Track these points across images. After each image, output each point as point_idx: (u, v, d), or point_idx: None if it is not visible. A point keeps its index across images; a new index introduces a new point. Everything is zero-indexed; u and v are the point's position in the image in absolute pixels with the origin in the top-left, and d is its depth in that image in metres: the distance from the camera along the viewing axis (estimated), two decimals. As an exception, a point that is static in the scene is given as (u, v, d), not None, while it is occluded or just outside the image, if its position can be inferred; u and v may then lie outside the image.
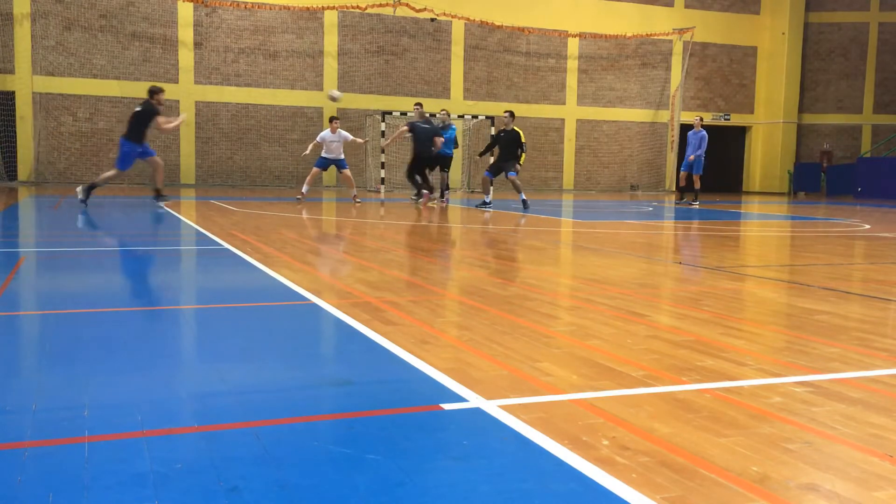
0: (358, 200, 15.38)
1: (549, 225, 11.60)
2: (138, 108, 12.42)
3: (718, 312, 4.46)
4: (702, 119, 18.41)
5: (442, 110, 16.91)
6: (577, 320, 4.25)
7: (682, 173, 18.23)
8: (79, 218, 10.55)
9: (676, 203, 17.81)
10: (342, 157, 15.17)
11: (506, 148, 14.58)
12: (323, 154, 15.19)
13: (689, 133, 17.82)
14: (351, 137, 15.39)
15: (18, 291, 4.95)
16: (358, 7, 23.95)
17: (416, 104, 16.46)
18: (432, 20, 24.87)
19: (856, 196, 24.39)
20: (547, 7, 26.19)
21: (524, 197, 14.68)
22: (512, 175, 14.48)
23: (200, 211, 12.41)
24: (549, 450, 2.21)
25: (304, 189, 15.27)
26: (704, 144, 17.47)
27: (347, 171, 15.25)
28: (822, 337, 3.83)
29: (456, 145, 16.71)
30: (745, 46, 28.91)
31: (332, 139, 15.01)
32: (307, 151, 15.16)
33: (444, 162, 15.94)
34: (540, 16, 26.05)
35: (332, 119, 15.37)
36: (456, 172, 25.50)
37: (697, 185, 17.66)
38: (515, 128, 14.65)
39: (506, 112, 14.89)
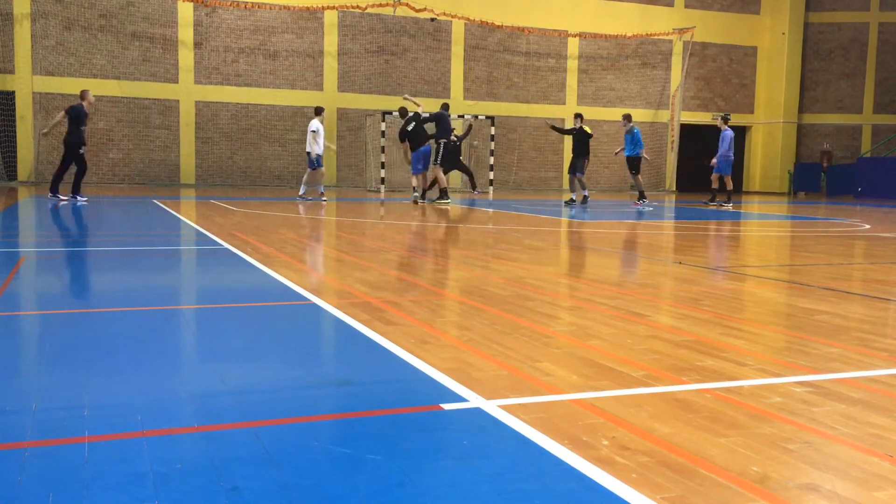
0: (324, 199, 16.00)
1: (549, 225, 11.60)
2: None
3: (718, 312, 4.46)
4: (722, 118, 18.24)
5: (624, 115, 17.92)
6: (577, 320, 4.25)
7: (713, 175, 17.81)
8: (78, 218, 10.56)
9: (705, 204, 17.79)
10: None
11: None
12: (316, 151, 15.75)
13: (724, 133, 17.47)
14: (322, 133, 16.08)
15: (18, 291, 4.95)
16: (358, 7, 23.94)
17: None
18: (432, 20, 24.87)
19: (856, 196, 24.38)
20: (547, 7, 26.18)
21: (585, 193, 16.85)
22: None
23: (200, 211, 12.41)
24: (549, 450, 2.21)
25: (321, 189, 16.24)
26: (724, 144, 17.39)
27: (323, 168, 16.22)
28: (822, 337, 3.83)
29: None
30: (745, 46, 28.90)
31: (321, 129, 15.83)
32: (321, 150, 15.91)
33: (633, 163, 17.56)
34: (540, 16, 26.05)
35: (320, 110, 16.22)
36: (456, 171, 25.50)
37: (728, 186, 17.64)
38: (584, 127, 16.86)
39: (576, 115, 17.35)
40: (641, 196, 17.41)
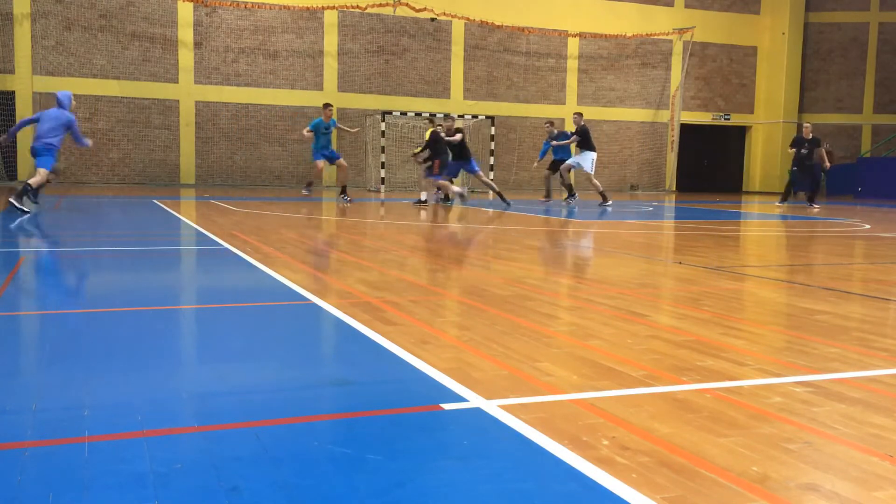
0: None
1: (549, 225, 11.61)
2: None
3: (718, 312, 4.46)
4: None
5: (550, 121, 17.95)
6: (577, 320, 4.25)
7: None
8: (78, 218, 10.55)
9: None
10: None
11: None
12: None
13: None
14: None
15: (18, 291, 4.95)
16: (358, 7, 23.94)
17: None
18: (432, 20, 24.87)
19: (856, 196, 24.38)
20: (547, 7, 26.18)
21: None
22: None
23: (200, 211, 12.42)
24: (549, 450, 2.21)
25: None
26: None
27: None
28: (822, 337, 3.83)
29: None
30: (745, 46, 28.90)
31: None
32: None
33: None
34: (540, 16, 26.05)
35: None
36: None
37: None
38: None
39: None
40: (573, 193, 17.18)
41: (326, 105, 15.58)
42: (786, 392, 2.86)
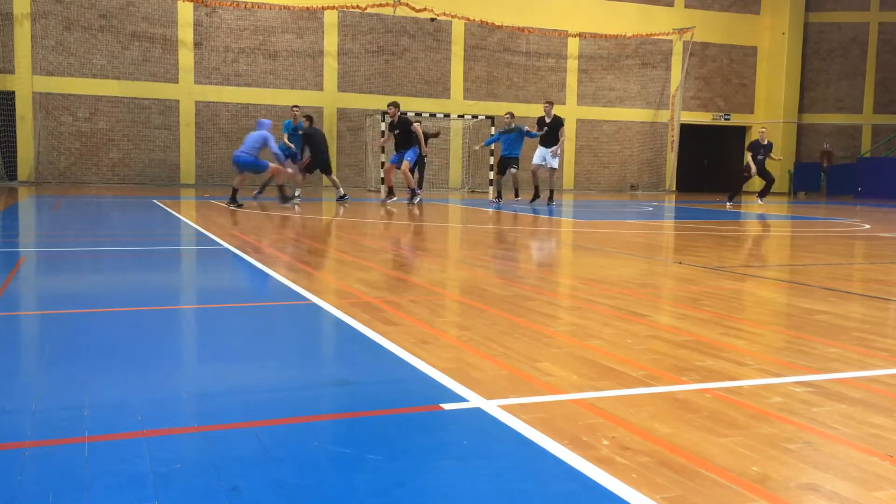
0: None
1: (549, 225, 11.60)
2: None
3: (718, 312, 4.46)
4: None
5: (510, 113, 17.50)
6: (577, 320, 4.25)
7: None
8: (78, 218, 10.56)
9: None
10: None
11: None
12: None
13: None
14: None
15: (18, 291, 4.95)
16: (358, 7, 23.94)
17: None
18: (432, 20, 24.86)
19: (856, 196, 24.38)
20: (547, 7, 26.18)
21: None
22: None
23: (200, 211, 12.41)
24: (549, 450, 2.21)
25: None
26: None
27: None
28: (822, 337, 3.83)
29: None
30: (745, 46, 28.90)
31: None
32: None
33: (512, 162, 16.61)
34: (540, 16, 26.04)
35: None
36: (457, 171, 25.52)
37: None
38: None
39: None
40: (500, 195, 16.96)
41: (294, 107, 16.25)
42: (786, 392, 2.86)
